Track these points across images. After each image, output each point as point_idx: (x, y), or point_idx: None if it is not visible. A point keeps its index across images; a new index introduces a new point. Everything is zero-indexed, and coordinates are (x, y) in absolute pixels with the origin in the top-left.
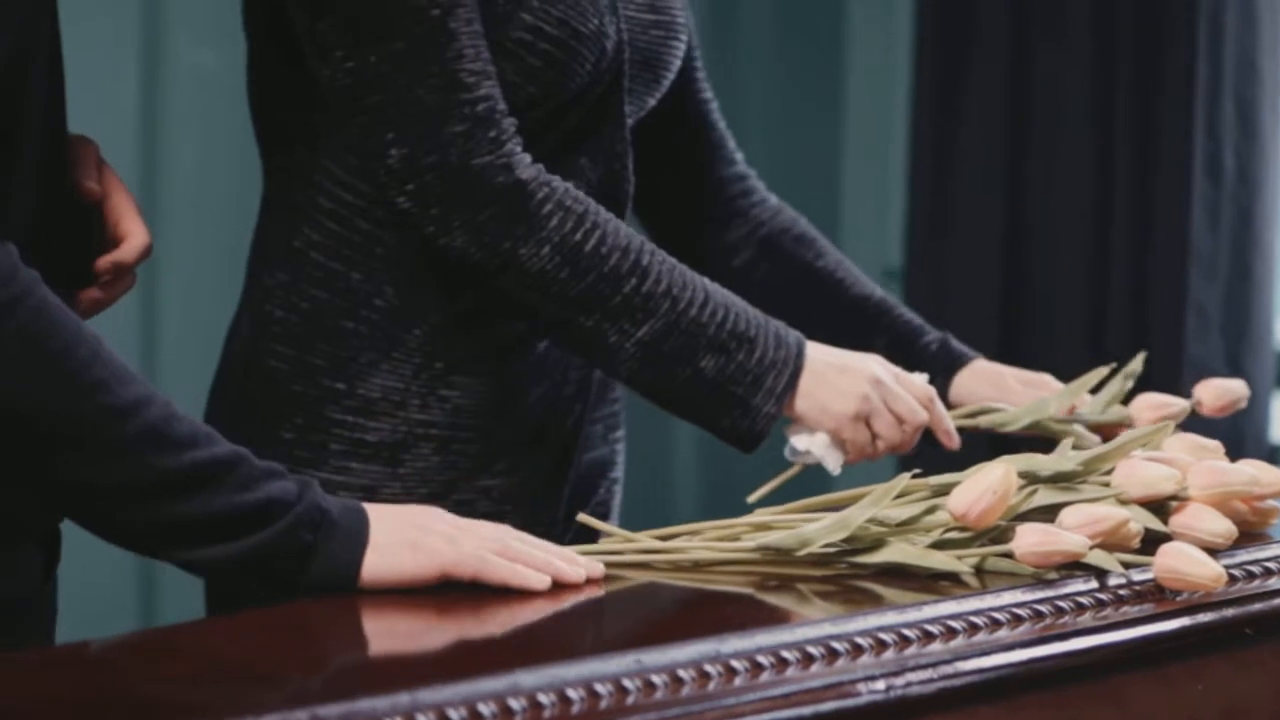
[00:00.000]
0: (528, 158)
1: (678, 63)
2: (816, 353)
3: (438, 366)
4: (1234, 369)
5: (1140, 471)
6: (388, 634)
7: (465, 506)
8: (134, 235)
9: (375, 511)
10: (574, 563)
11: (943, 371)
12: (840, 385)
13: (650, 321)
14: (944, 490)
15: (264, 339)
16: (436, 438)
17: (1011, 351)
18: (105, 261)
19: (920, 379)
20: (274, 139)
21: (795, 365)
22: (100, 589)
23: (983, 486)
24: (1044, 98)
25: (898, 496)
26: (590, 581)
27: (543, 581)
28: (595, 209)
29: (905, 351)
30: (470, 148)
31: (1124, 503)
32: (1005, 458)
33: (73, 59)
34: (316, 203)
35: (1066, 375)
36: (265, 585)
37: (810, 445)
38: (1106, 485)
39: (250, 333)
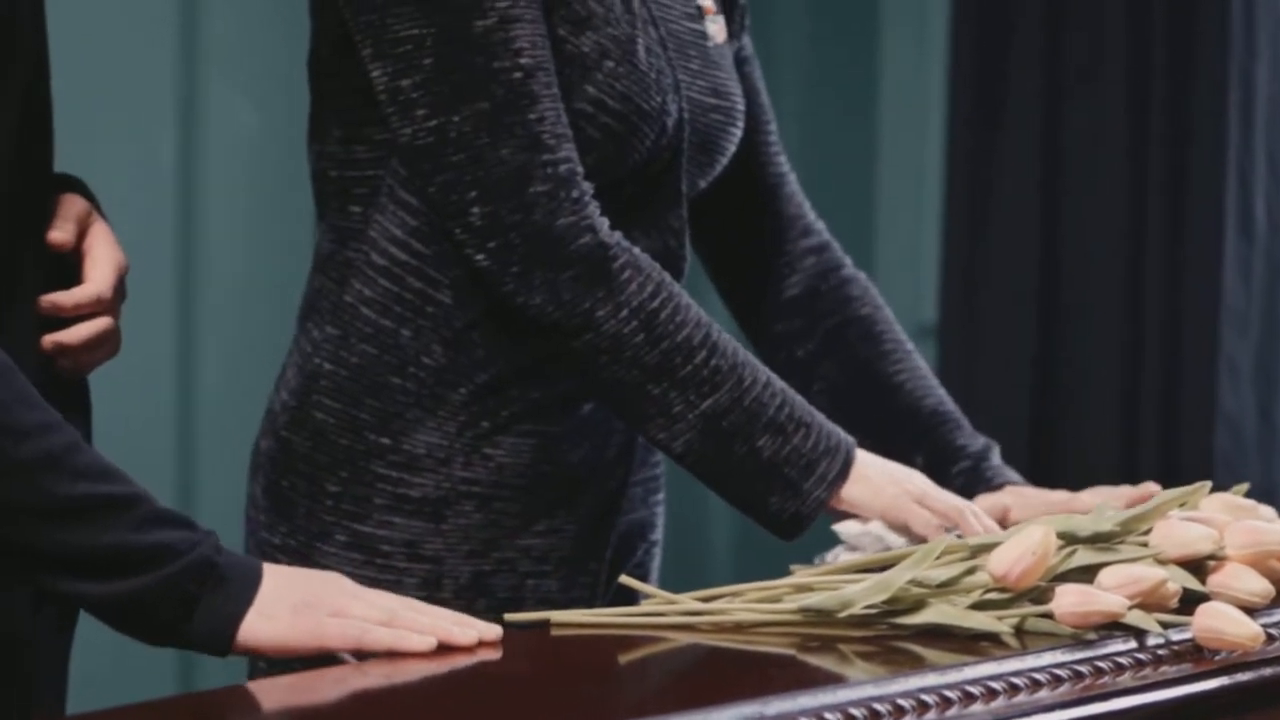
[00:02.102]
0: (606, 221)
1: (733, 147)
2: (866, 454)
3: (483, 425)
4: (1265, 422)
5: (1178, 531)
6: (423, 700)
7: (506, 565)
8: (86, 284)
9: (271, 573)
10: (468, 626)
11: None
12: (890, 477)
13: (715, 395)
14: (983, 551)
15: (311, 392)
16: (479, 495)
17: (1044, 408)
18: (44, 299)
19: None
20: (330, 195)
21: (847, 455)
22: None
23: (1023, 548)
24: (1076, 152)
25: (938, 557)
26: (484, 644)
27: (426, 643)
28: (670, 280)
29: (937, 475)
30: (554, 208)
31: (1162, 563)
32: (1044, 518)
33: (110, 118)
34: (370, 259)
35: (1099, 431)
36: (145, 632)
37: (864, 530)
38: (1144, 545)
39: (297, 385)
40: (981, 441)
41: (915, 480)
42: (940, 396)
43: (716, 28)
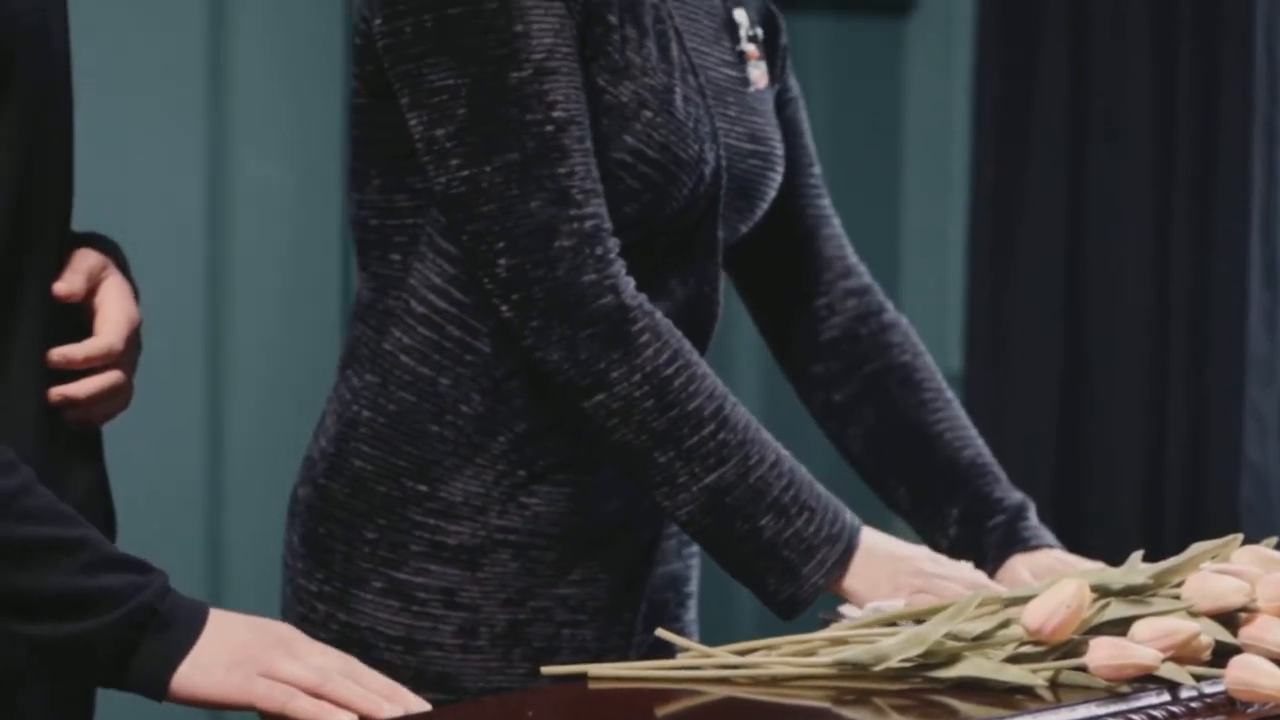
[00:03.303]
0: (632, 281)
1: (773, 192)
2: (871, 537)
3: (520, 474)
4: None
5: (1210, 584)
6: None
7: (542, 614)
8: (96, 336)
9: (217, 623)
10: (398, 702)
11: (995, 558)
12: (892, 567)
13: (720, 470)
14: (1018, 604)
15: (350, 439)
16: (515, 544)
17: (1069, 457)
18: (55, 352)
19: (965, 568)
20: (371, 243)
21: (849, 543)
22: None
23: (1057, 601)
24: (1101, 202)
25: (973, 611)
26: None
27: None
28: (689, 349)
29: (972, 527)
30: (578, 264)
31: (1194, 615)
32: (1078, 571)
33: (138, 172)
34: (409, 307)
35: (1125, 481)
36: (85, 674)
37: (866, 611)
38: (1177, 598)
39: (336, 432)
40: (1018, 497)
41: (922, 563)
42: (978, 448)
43: (759, 73)
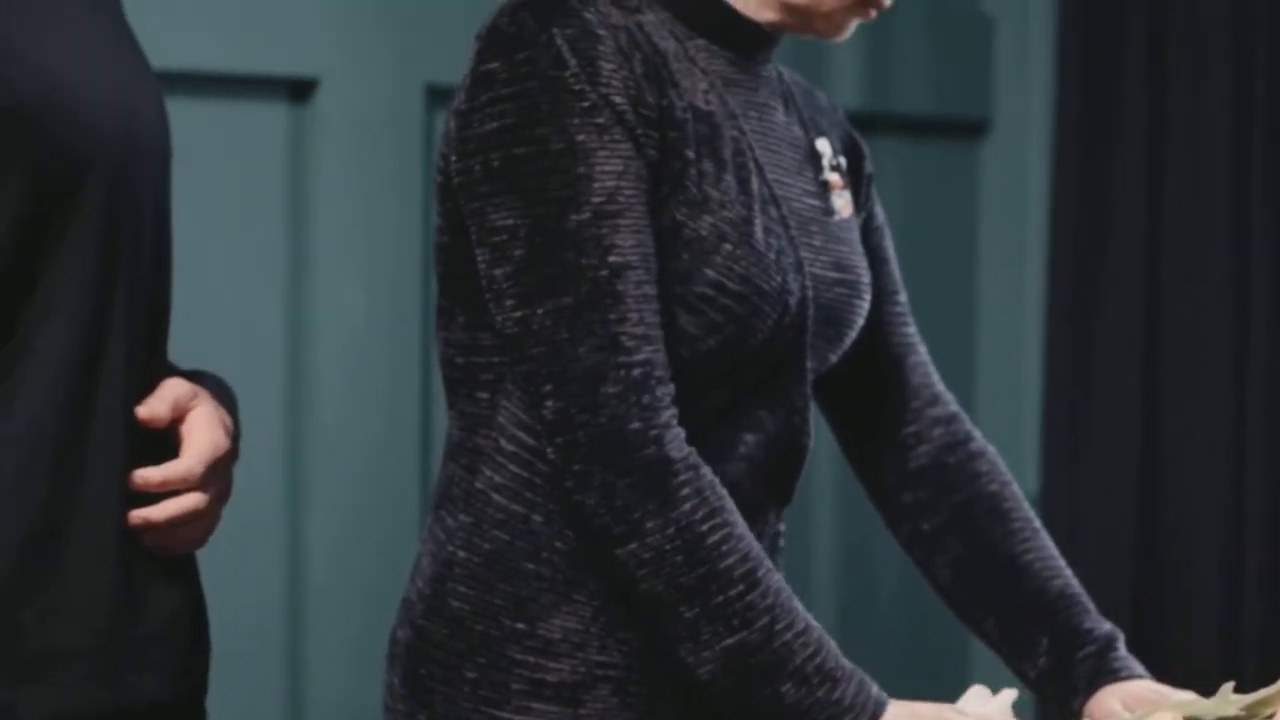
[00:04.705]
0: (681, 433)
1: (861, 320)
2: (896, 706)
3: (617, 609)
4: None
5: None
6: None
7: None
8: (175, 461)
9: None
10: None
11: (1086, 689)
12: None
13: (744, 632)
14: None
15: (446, 580)
16: (615, 679)
17: (1148, 581)
18: (136, 474)
19: (996, 711)
20: (458, 382)
21: (873, 712)
22: None
23: None
24: (1178, 322)
25: None
26: None
27: None
28: (731, 509)
29: (1062, 658)
30: (623, 412)
31: None
32: (1171, 702)
33: (219, 299)
34: (498, 445)
35: (1202, 602)
36: None
37: None
38: None
39: (432, 573)
40: (1108, 627)
41: (946, 713)
42: (1067, 578)
43: (842, 202)
